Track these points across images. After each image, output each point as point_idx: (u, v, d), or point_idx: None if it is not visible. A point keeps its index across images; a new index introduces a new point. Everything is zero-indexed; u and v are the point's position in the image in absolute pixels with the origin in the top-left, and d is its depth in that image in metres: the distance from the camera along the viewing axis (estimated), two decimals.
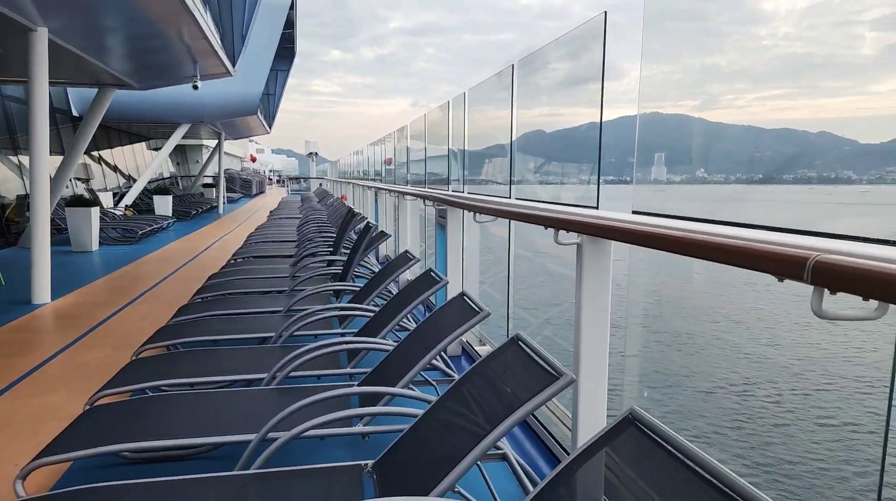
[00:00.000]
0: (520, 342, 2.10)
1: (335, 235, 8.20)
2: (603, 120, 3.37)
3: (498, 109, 4.55)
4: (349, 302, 4.86)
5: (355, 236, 6.36)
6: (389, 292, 4.91)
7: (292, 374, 3.16)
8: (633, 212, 2.57)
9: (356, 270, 5.97)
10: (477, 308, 2.91)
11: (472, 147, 5.96)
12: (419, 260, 4.74)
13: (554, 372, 1.84)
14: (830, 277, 1.18)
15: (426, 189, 7.33)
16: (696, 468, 1.15)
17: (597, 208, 2.99)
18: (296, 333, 4.03)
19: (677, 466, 1.19)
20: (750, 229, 1.84)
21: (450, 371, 3.51)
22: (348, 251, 6.24)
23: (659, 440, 1.27)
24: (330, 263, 6.76)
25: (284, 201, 25.29)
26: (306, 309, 4.35)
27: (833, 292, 1.21)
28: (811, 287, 1.24)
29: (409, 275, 5.91)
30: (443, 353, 3.54)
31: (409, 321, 4.20)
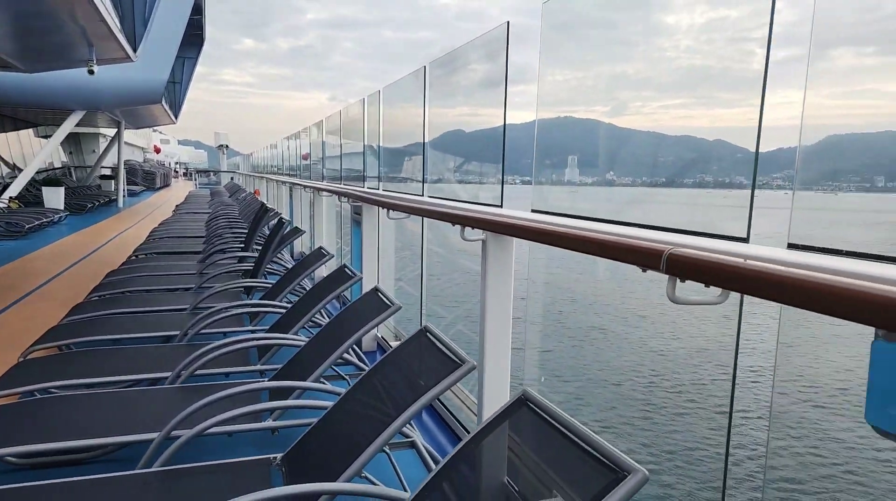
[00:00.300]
0: (428, 334, 2.18)
1: (247, 230, 7.92)
2: (520, 122, 3.48)
3: (418, 107, 4.58)
4: (261, 299, 4.71)
5: (268, 232, 6.18)
6: (303, 288, 4.81)
7: (199, 372, 3.03)
8: (533, 211, 2.74)
9: (269, 267, 5.80)
10: (389, 302, 2.94)
11: (391, 144, 5.95)
12: (333, 256, 4.67)
13: (457, 360, 1.95)
14: (681, 267, 1.35)
15: (342, 186, 7.24)
16: (578, 440, 1.29)
17: (500, 206, 3.11)
18: (203, 330, 3.86)
19: (562, 439, 1.34)
20: (624, 227, 2.08)
21: (363, 365, 3.49)
22: (260, 248, 6.05)
23: (547, 417, 1.41)
24: (241, 259, 6.53)
25: (192, 195, 24.13)
26: (214, 306, 4.18)
27: (683, 280, 1.38)
28: (666, 276, 1.40)
29: (324, 271, 5.82)
30: (357, 348, 3.51)
31: (323, 316, 4.14)
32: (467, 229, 2.61)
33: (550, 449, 1.37)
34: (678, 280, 1.40)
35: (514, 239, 2.57)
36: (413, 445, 2.53)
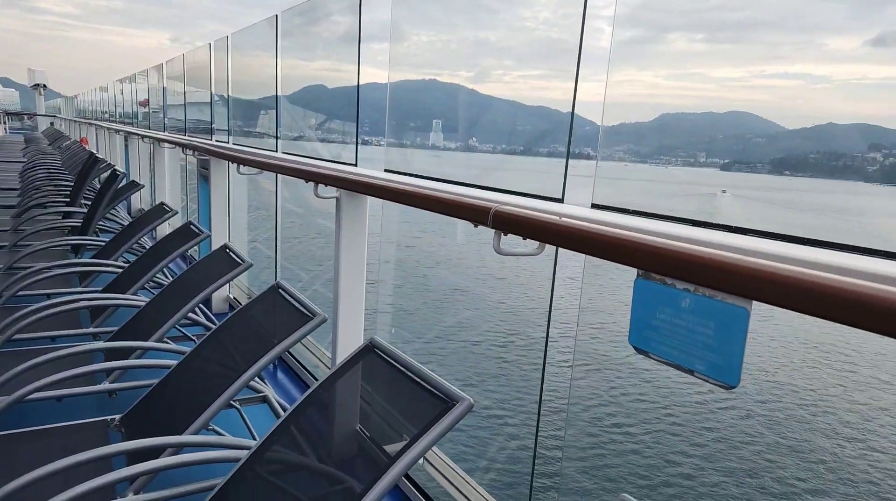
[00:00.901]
0: (280, 290, 2.18)
1: (72, 184, 7.07)
2: (385, 82, 3.46)
3: (272, 57, 4.34)
4: (92, 258, 4.25)
5: (99, 186, 5.56)
6: (142, 247, 4.41)
7: (18, 337, 2.69)
8: (386, 170, 2.84)
9: (101, 223, 5.24)
10: (240, 260, 2.82)
11: (244, 96, 5.59)
12: (177, 212, 4.34)
13: (309, 313, 1.98)
14: (503, 222, 1.53)
15: (187, 137, 6.69)
16: (417, 378, 1.48)
17: (356, 165, 3.11)
18: (21, 292, 3.42)
19: (404, 378, 1.51)
20: (464, 187, 2.25)
21: (211, 326, 3.32)
22: (90, 203, 5.43)
23: (391, 360, 1.57)
24: (66, 215, 5.82)
25: (1, 141, 20.95)
26: (34, 266, 3.70)
27: (505, 233, 1.56)
28: (493, 230, 1.58)
29: (166, 229, 5.38)
30: (206, 309, 3.32)
31: (166, 276, 3.84)
32: (321, 186, 2.59)
33: (393, 389, 1.53)
34: (502, 234, 1.56)
35: (369, 198, 2.61)
36: (265, 399, 2.49)
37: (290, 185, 4.32)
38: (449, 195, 1.85)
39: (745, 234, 1.47)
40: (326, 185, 2.56)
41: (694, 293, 1.06)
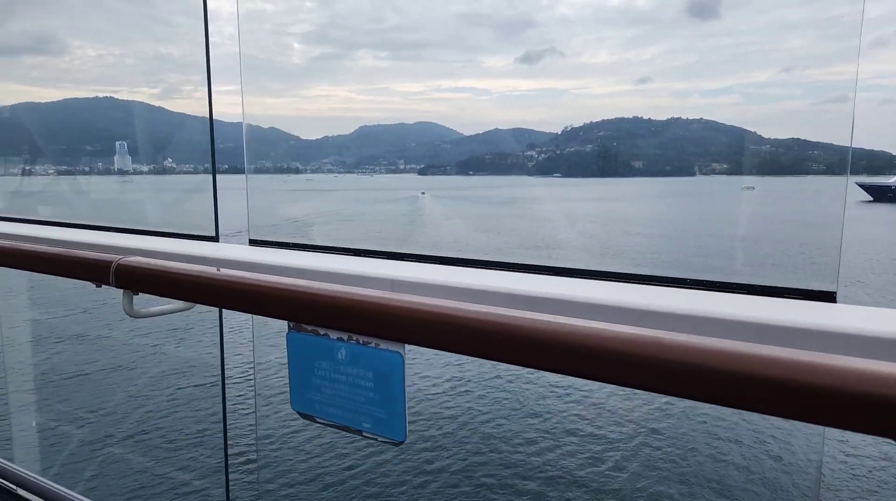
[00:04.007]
0: None
1: None
2: (44, 101, 3.31)
3: None
4: None
5: None
6: None
7: None
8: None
9: None
10: None
11: None
12: None
13: None
14: (131, 280, 1.21)
15: None
16: None
17: None
18: None
19: None
20: (84, 231, 1.94)
21: None
22: None
23: None
24: None
25: None
26: None
27: (136, 293, 1.23)
28: (121, 290, 1.23)
29: None
30: None
31: None
32: None
33: None
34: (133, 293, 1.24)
35: None
36: None
37: None
38: (54, 250, 1.39)
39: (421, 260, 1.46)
40: None
41: (349, 342, 0.97)
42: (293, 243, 1.69)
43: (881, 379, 0.57)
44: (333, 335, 0.98)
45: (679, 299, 1.10)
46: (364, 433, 0.98)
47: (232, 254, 1.57)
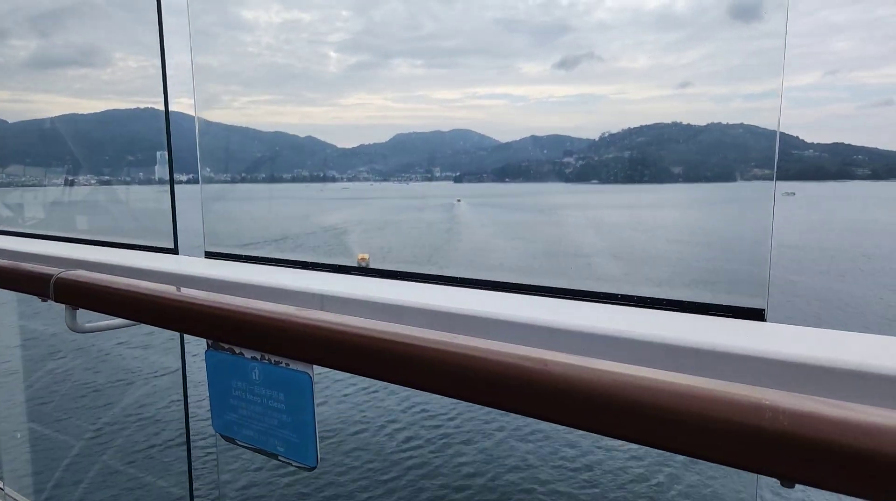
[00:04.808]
0: None
1: None
2: (89, 112, 3.37)
3: None
4: None
5: None
6: None
7: None
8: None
9: None
10: None
11: None
12: None
13: None
14: (72, 294, 1.15)
15: None
16: None
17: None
18: None
19: None
20: (42, 241, 1.89)
21: None
22: None
23: None
24: None
25: None
26: None
27: (75, 308, 1.18)
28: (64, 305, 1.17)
29: None
30: None
31: None
32: None
33: None
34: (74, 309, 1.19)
35: None
36: None
37: None
38: None
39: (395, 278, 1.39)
40: None
41: (262, 362, 0.92)
42: (248, 256, 1.63)
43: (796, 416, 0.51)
44: (248, 353, 0.94)
45: (599, 316, 1.05)
46: (280, 458, 0.94)
47: (175, 268, 1.50)
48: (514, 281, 1.30)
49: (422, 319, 1.11)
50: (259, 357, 0.92)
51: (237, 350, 0.94)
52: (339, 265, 1.51)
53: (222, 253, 1.68)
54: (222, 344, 0.96)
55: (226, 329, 0.93)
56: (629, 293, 1.17)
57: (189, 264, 1.58)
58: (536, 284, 1.27)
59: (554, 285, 1.26)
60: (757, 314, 1.06)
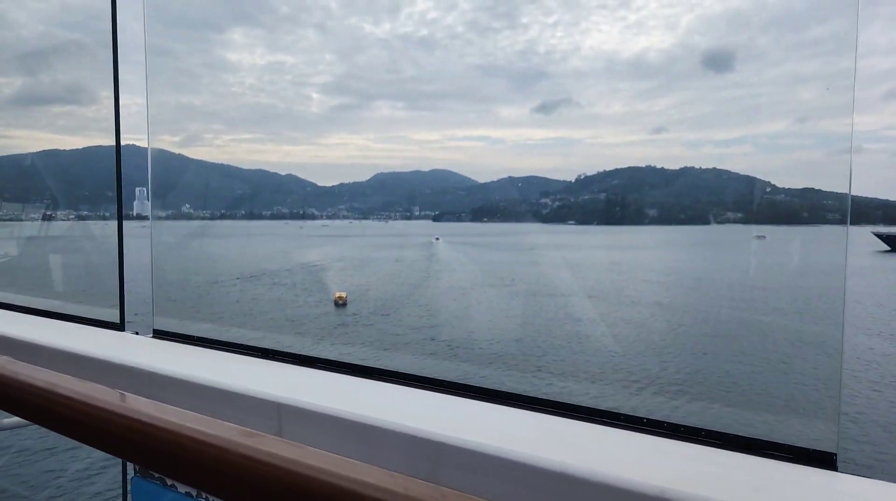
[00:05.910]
0: None
1: None
2: (71, 148, 3.44)
3: None
4: None
5: None
6: None
7: None
8: None
9: None
10: None
11: None
12: None
13: None
14: None
15: None
16: None
17: None
18: None
19: None
20: None
21: None
22: None
23: None
24: None
25: None
26: None
27: None
28: None
29: None
30: None
31: None
32: None
33: None
34: None
35: None
36: None
37: None
38: None
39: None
40: None
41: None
42: (199, 338, 1.45)
43: None
44: (182, 488, 0.80)
45: (626, 451, 0.87)
46: None
47: (117, 356, 1.24)
48: (507, 390, 1.18)
49: (401, 449, 0.91)
50: (194, 494, 0.75)
51: (168, 482, 0.78)
52: (303, 357, 1.30)
53: (173, 333, 1.50)
54: (151, 473, 0.76)
55: (154, 454, 0.65)
56: (656, 418, 0.96)
57: (133, 352, 1.36)
58: (542, 397, 1.12)
59: (563, 402, 1.11)
60: (828, 461, 0.88)
